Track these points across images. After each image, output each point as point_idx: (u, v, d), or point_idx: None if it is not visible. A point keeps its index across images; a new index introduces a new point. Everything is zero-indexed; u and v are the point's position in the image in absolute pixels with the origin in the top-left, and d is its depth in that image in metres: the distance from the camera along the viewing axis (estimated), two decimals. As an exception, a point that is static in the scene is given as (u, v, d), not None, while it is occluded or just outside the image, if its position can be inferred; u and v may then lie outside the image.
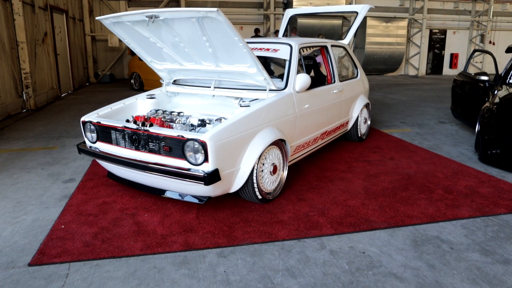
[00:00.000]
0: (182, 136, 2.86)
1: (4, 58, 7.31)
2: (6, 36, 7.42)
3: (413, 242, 2.79)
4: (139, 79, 11.27)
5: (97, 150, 3.43)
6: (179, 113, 3.76)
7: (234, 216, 3.16)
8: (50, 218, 3.17)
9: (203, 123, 3.42)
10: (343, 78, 5.09)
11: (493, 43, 18.17)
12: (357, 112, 5.19)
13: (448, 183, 3.90)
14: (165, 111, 3.87)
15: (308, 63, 5.28)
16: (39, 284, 2.33)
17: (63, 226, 3.01)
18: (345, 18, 15.98)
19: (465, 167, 4.40)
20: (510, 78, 5.36)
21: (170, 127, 3.43)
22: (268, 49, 4.13)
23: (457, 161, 4.64)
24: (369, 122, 5.70)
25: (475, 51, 6.52)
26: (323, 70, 5.16)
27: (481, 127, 4.58)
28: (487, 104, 4.85)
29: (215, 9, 2.77)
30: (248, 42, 4.07)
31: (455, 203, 3.42)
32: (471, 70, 16.93)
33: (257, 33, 12.73)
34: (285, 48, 4.01)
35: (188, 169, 2.87)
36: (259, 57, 4.01)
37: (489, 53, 5.95)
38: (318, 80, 5.06)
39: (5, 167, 4.43)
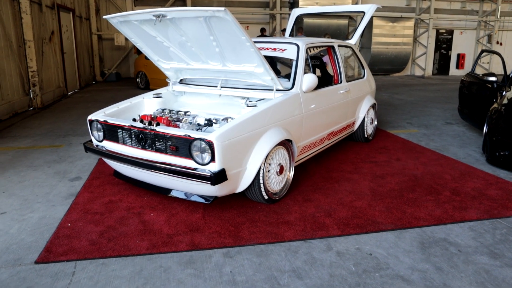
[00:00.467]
0: (189, 136, 2.86)
1: (12, 56, 7.35)
2: (14, 35, 7.46)
3: (420, 244, 2.77)
4: (145, 78, 11.29)
5: (104, 149, 3.44)
6: (185, 112, 3.76)
7: (240, 216, 3.15)
8: (56, 216, 3.18)
9: (209, 123, 3.42)
10: (349, 78, 5.06)
11: (501, 44, 18.05)
12: (363, 113, 5.17)
13: (456, 185, 3.87)
14: (172, 110, 3.87)
15: (315, 63, 5.26)
16: (45, 281, 2.33)
17: (69, 224, 3.02)
18: (351, 18, 15.92)
19: (472, 169, 4.37)
20: (518, 79, 5.31)
21: (177, 126, 3.43)
22: (275, 49, 4.12)
23: (465, 162, 4.61)
24: (375, 123, 5.68)
25: (483, 51, 6.47)
26: (329, 70, 5.14)
27: (489, 129, 4.54)
28: (495, 105, 4.81)
29: (222, 8, 2.76)
30: (255, 42, 4.06)
31: (462, 205, 3.39)
32: (478, 71, 16.82)
33: (263, 33, 12.71)
34: (292, 48, 4.00)
35: (195, 169, 2.87)
36: (266, 57, 3.99)
37: (497, 53, 5.90)
38: (325, 80, 5.04)
39: (12, 165, 4.45)
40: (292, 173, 3.64)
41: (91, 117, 3.53)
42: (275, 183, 3.41)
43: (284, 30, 14.00)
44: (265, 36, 12.49)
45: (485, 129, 4.73)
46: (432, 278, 2.37)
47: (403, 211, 3.26)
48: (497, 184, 3.91)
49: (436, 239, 2.83)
